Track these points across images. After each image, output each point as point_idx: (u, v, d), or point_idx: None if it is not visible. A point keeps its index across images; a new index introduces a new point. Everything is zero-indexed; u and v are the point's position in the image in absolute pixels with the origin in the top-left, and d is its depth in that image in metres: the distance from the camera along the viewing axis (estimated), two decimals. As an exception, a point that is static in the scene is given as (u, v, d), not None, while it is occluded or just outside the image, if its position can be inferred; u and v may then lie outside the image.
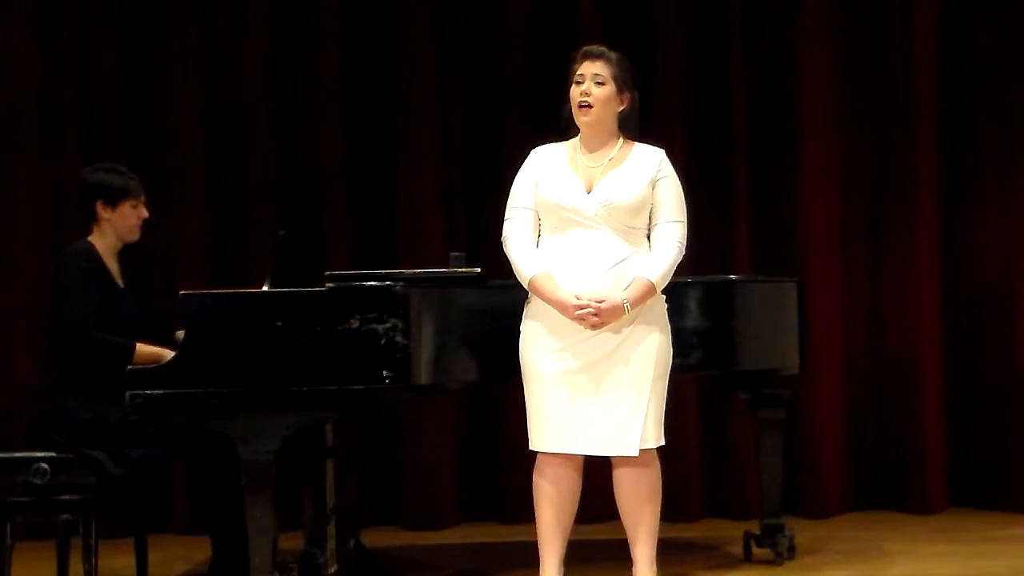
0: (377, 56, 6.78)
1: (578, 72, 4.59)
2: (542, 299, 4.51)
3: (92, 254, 5.00)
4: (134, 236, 5.11)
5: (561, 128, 4.67)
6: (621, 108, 4.61)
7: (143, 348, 4.93)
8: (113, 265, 5.07)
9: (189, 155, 6.72)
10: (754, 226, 6.71)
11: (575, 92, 4.59)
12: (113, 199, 5.04)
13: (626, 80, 4.60)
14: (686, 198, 4.64)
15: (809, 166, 6.69)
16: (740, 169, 6.70)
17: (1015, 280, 6.65)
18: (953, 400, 6.71)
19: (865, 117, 6.76)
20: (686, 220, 4.61)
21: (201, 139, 6.75)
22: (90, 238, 5.06)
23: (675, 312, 4.68)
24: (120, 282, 5.07)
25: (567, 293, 4.47)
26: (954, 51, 6.75)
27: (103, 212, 5.04)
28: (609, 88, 4.58)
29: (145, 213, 5.12)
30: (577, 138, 4.66)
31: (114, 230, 5.06)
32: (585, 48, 4.65)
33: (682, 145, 6.38)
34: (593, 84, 4.57)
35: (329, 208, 6.71)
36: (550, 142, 4.68)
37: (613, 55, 4.60)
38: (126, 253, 5.16)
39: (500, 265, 4.82)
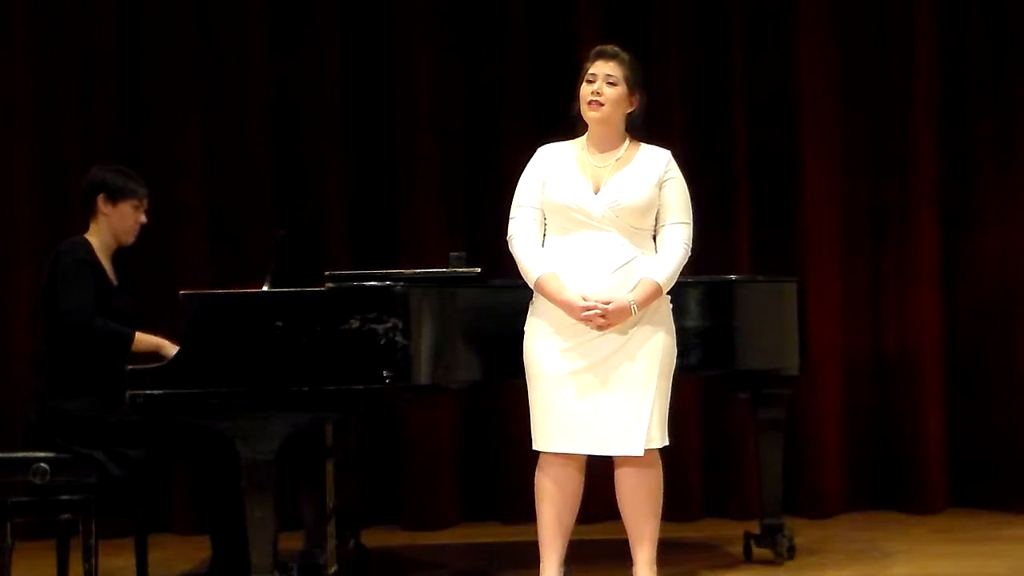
0: (377, 56, 6.78)
1: (590, 71, 4.59)
2: (548, 299, 4.51)
3: (88, 248, 5.00)
4: (129, 239, 5.12)
5: (568, 126, 4.67)
6: (631, 109, 4.62)
7: (142, 337, 4.96)
8: (107, 263, 5.07)
9: (189, 155, 6.72)
10: (754, 226, 6.71)
11: (586, 90, 4.59)
12: (116, 195, 5.06)
13: (637, 81, 4.61)
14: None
15: (809, 167, 6.69)
16: (740, 169, 6.70)
17: (1015, 280, 6.64)
18: (953, 400, 6.71)
19: (865, 118, 6.76)
20: (692, 222, 4.61)
21: (201, 139, 6.75)
22: (86, 235, 5.07)
23: (675, 312, 4.68)
24: (113, 280, 5.08)
25: (574, 294, 4.47)
26: (954, 52, 6.74)
27: (103, 206, 5.05)
28: (621, 89, 4.58)
29: (144, 219, 5.13)
30: (584, 137, 4.66)
31: (111, 228, 5.06)
32: (599, 47, 4.65)
33: (682, 145, 6.33)
34: (605, 84, 4.57)
35: (329, 208, 6.71)
36: (551, 141, 4.68)
37: (626, 56, 4.61)
38: (121, 256, 5.16)
39: (500, 265, 4.81)
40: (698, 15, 6.75)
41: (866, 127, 6.76)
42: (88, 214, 5.09)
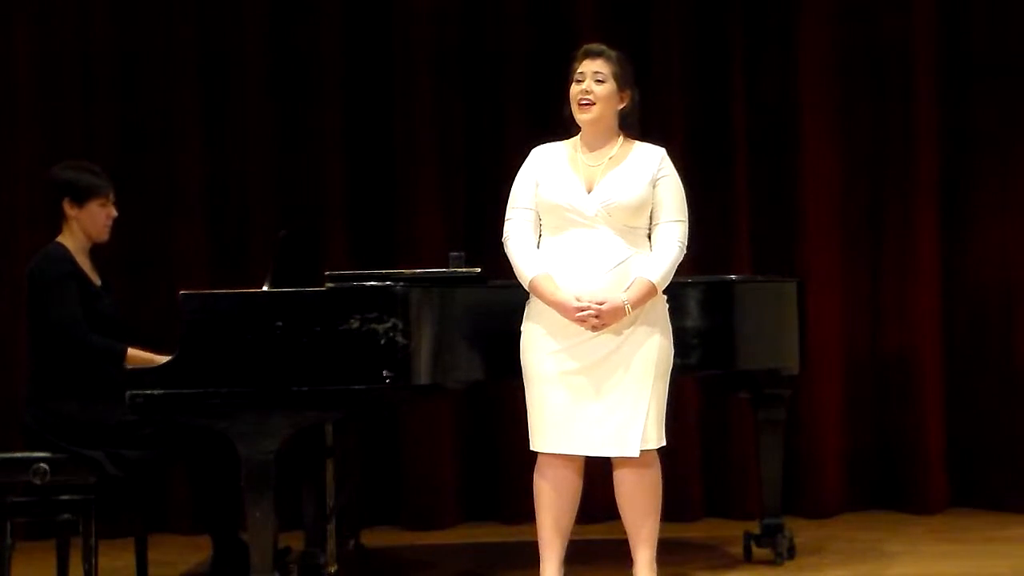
0: (377, 56, 6.78)
1: (578, 70, 4.59)
2: (543, 300, 4.51)
3: (66, 256, 4.97)
4: (103, 236, 5.07)
5: (563, 127, 4.67)
6: (621, 106, 4.61)
7: (135, 353, 4.92)
8: (86, 263, 5.04)
9: (189, 155, 6.72)
10: (754, 226, 6.71)
11: (575, 90, 4.59)
12: (80, 197, 5.00)
13: (626, 78, 4.60)
14: (687, 198, 4.64)
15: (809, 166, 6.68)
16: (740, 169, 6.69)
17: (1015, 279, 6.64)
18: (953, 400, 6.71)
19: (865, 117, 6.76)
20: (687, 220, 4.61)
21: (201, 139, 6.75)
22: (60, 238, 5.03)
23: (675, 312, 4.68)
24: (95, 279, 5.06)
25: (567, 295, 4.46)
26: (954, 50, 6.74)
27: (70, 210, 5.00)
28: (610, 86, 4.58)
29: (114, 212, 5.08)
30: (577, 137, 4.66)
31: (82, 229, 5.02)
32: (585, 46, 4.65)
33: (682, 145, 6.37)
34: (593, 82, 4.57)
35: (329, 208, 6.71)
36: (550, 141, 4.68)
37: (613, 53, 4.61)
38: (98, 251, 5.13)
39: (500, 265, 4.81)
40: (698, 15, 6.74)
41: (866, 126, 6.76)
42: (58, 216, 5.04)
